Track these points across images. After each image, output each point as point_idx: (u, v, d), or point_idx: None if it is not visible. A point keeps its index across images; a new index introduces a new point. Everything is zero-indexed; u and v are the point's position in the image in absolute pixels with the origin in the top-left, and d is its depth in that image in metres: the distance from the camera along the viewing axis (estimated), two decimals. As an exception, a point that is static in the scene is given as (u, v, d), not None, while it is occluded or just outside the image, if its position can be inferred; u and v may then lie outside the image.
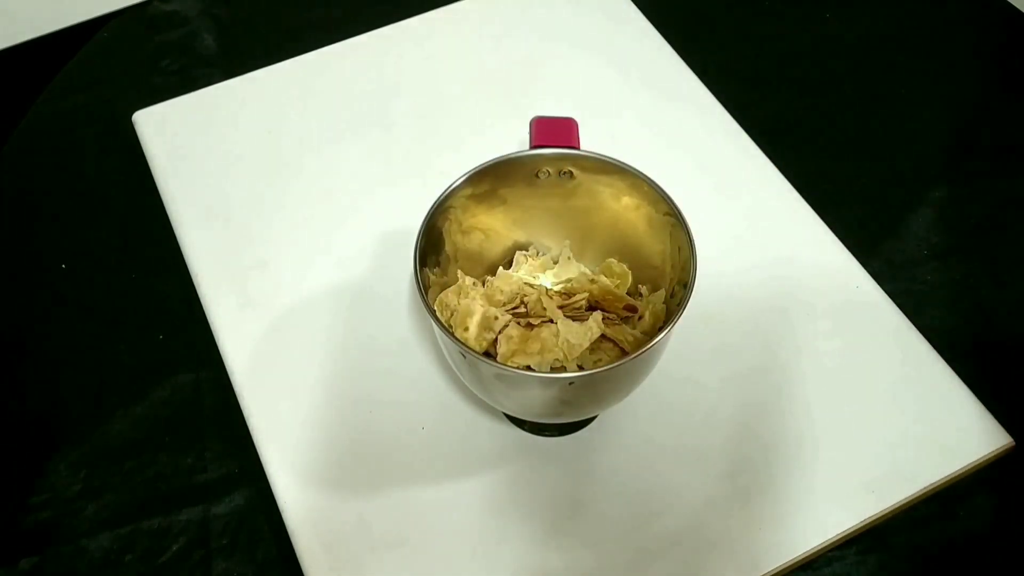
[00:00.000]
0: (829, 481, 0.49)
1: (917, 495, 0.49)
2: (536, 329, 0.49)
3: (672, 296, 0.48)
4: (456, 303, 0.49)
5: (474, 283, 0.50)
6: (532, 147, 0.49)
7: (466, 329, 0.48)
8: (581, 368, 0.48)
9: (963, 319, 0.56)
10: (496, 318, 0.48)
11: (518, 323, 0.49)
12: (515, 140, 0.52)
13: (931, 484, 0.49)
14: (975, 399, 0.51)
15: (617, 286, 0.50)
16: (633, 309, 0.49)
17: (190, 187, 0.61)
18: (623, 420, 0.51)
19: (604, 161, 0.48)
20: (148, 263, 0.59)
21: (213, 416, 0.53)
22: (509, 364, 0.47)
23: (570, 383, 0.43)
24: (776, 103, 0.67)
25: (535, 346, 0.48)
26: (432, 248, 0.47)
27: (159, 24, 0.72)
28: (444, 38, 0.69)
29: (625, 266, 0.51)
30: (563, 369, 0.47)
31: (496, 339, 0.48)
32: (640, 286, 0.51)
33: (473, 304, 0.48)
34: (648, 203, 0.48)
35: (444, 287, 0.49)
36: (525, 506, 0.48)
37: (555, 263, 0.52)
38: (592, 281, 0.50)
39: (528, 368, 0.47)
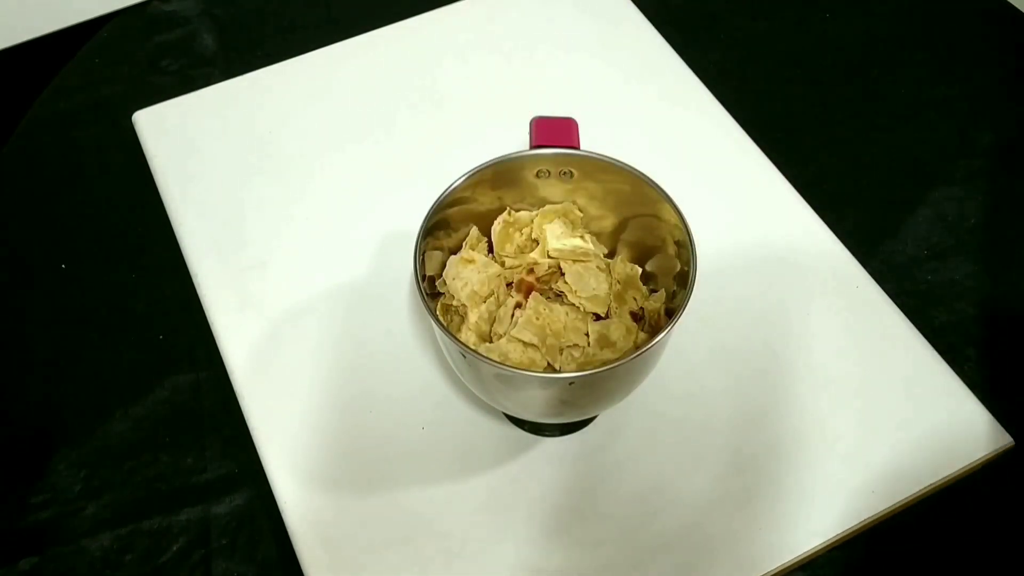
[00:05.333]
0: (829, 481, 0.49)
1: (917, 495, 0.49)
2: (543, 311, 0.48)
3: (672, 296, 0.48)
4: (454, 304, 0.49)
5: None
6: (532, 147, 0.49)
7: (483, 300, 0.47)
8: (580, 368, 0.48)
9: (963, 319, 0.56)
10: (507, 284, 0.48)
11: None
12: (515, 140, 0.51)
13: (931, 484, 0.49)
14: (975, 399, 0.51)
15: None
16: (638, 318, 0.49)
17: (190, 187, 0.61)
18: (623, 420, 0.51)
19: (604, 161, 0.48)
20: (148, 263, 0.59)
21: (213, 416, 0.53)
22: (513, 366, 0.47)
23: (570, 383, 0.43)
24: (776, 103, 0.67)
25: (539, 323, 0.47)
26: (432, 248, 0.47)
27: (159, 24, 0.72)
28: (444, 38, 0.69)
29: (633, 266, 0.50)
30: (563, 370, 0.47)
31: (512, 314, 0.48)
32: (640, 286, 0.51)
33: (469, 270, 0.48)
34: (648, 203, 0.48)
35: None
36: (525, 506, 0.48)
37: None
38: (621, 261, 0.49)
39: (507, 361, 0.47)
